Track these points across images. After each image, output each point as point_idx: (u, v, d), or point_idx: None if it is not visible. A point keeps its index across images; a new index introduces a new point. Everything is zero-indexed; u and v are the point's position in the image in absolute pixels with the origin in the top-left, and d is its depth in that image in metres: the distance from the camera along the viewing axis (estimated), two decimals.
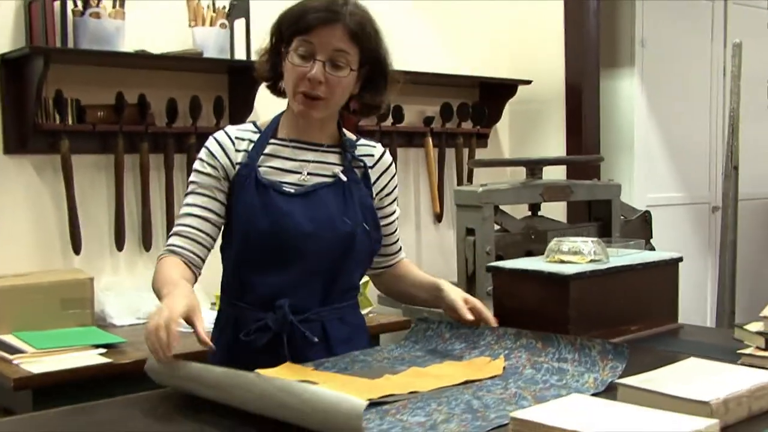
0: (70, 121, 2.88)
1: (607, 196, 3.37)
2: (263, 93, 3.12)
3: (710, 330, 2.83)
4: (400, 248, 1.96)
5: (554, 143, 4.13)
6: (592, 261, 1.77)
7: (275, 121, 1.78)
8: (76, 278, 2.73)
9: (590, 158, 3.80)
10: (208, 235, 1.72)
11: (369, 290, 3.10)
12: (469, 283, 3.01)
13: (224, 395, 1.31)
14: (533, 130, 4.24)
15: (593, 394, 1.33)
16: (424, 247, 4.01)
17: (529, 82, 4.03)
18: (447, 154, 3.98)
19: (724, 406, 1.19)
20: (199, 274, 1.73)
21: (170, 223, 3.09)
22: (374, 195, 1.82)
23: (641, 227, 3.51)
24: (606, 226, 3.38)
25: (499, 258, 3.01)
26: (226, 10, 3.12)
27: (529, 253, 2.97)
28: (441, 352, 1.67)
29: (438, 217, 4.01)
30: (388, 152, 1.88)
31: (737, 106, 3.38)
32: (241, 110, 3.21)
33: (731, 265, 3.33)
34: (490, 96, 4.09)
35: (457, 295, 1.79)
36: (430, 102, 3.96)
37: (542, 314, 1.73)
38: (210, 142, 1.76)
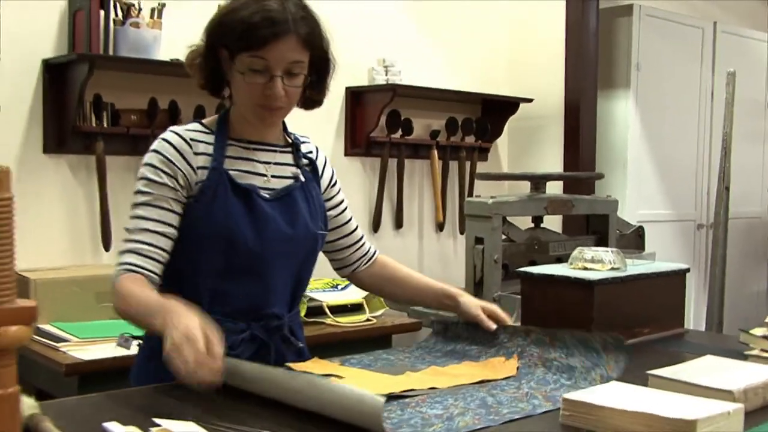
0: (105, 124, 3.04)
1: (605, 211, 3.57)
2: None
3: (712, 335, 3.04)
4: (364, 238, 1.93)
5: (551, 159, 4.34)
6: (612, 269, 1.96)
7: (224, 121, 1.68)
8: (110, 273, 2.87)
9: (591, 175, 4.01)
10: (164, 251, 1.58)
11: None
12: (476, 288, 3.19)
13: (255, 387, 1.37)
14: (532, 145, 4.45)
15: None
16: (425, 255, 4.20)
17: (530, 100, 4.24)
18: (450, 167, 4.18)
19: (744, 395, 1.38)
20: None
21: None
22: (323, 190, 1.81)
23: (635, 241, 3.72)
24: (603, 239, 3.58)
25: (505, 267, 3.21)
26: None
27: (533, 263, 3.16)
28: (459, 352, 1.75)
29: (440, 226, 4.20)
30: None
31: (730, 130, 3.61)
32: None
33: (720, 279, 3.55)
34: (492, 112, 4.29)
35: (476, 307, 1.82)
36: (437, 116, 4.16)
37: (567, 316, 1.91)
38: (163, 146, 1.61)
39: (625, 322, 1.97)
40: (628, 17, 4.44)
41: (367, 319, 3.11)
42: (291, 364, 1.57)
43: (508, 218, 3.28)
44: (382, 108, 3.76)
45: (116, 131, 3.06)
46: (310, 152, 1.81)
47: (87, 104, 2.98)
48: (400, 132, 3.94)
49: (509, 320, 1.81)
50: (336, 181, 1.87)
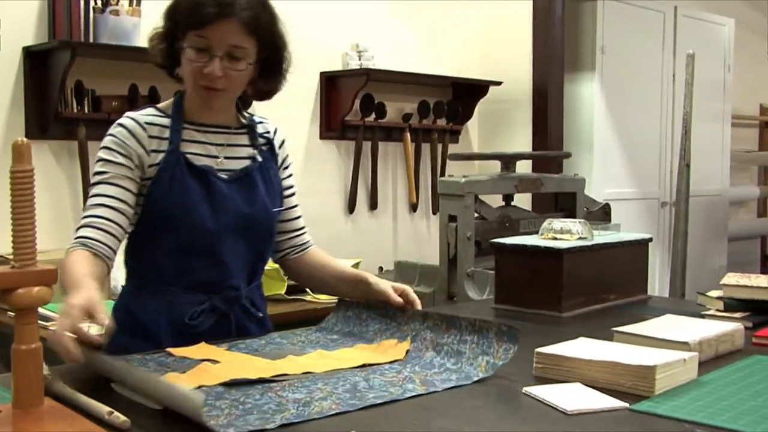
0: (86, 110, 3.11)
1: (572, 189, 3.71)
2: None
3: (674, 300, 3.19)
4: (305, 228, 1.97)
5: (520, 140, 4.47)
6: (579, 239, 2.08)
7: (179, 105, 1.75)
8: None
9: (559, 154, 4.15)
10: (120, 225, 1.64)
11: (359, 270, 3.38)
12: (450, 264, 3.31)
13: (115, 378, 1.35)
14: (501, 127, 4.58)
15: (482, 379, 1.40)
16: (400, 235, 4.31)
17: (499, 83, 4.36)
18: (422, 149, 4.29)
19: (699, 345, 1.51)
20: (112, 266, 1.66)
21: None
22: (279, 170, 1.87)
23: (601, 218, 3.86)
24: (570, 216, 3.71)
25: (477, 243, 3.33)
26: None
27: None
28: (356, 334, 1.72)
29: (414, 207, 4.32)
30: None
31: (690, 109, 3.76)
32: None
33: (683, 252, 3.71)
34: (463, 95, 4.41)
35: (386, 285, 1.80)
36: (409, 100, 4.26)
37: (538, 283, 2.04)
38: (117, 130, 1.70)
39: (592, 288, 2.10)
40: (593, 2, 4.57)
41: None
42: (171, 349, 1.56)
43: (480, 197, 3.40)
44: (356, 92, 3.86)
45: (97, 117, 3.13)
46: (267, 132, 1.85)
47: (68, 90, 3.05)
48: (373, 115, 4.04)
49: (418, 303, 1.77)
50: (289, 165, 1.91)
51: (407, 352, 1.57)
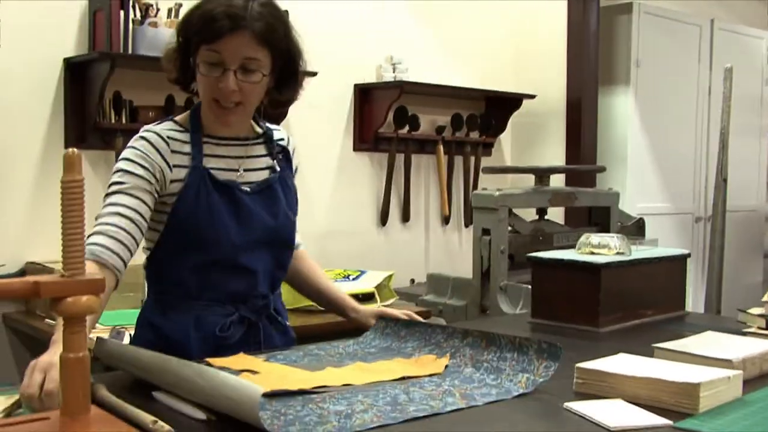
0: (124, 121, 3.14)
1: (606, 203, 3.68)
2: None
3: (712, 316, 3.15)
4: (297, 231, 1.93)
5: (552, 154, 4.46)
6: (617, 254, 2.07)
7: (196, 118, 1.73)
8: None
9: (594, 168, 4.13)
10: (133, 237, 1.60)
11: (392, 283, 3.39)
12: (483, 278, 3.30)
13: (153, 377, 1.35)
14: (534, 140, 4.56)
15: (521, 394, 1.39)
16: (431, 247, 4.31)
17: (533, 96, 4.35)
18: (455, 161, 4.29)
19: (743, 363, 1.49)
20: (121, 277, 1.61)
21: None
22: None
23: (635, 232, 3.83)
24: (604, 231, 3.69)
25: (510, 257, 3.32)
26: None
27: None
28: (394, 349, 1.72)
29: (446, 220, 4.31)
30: None
31: (728, 123, 3.72)
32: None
33: (719, 267, 3.67)
34: (496, 108, 4.40)
35: (372, 314, 1.89)
36: (442, 112, 4.27)
37: (575, 298, 2.03)
38: (139, 143, 1.68)
39: (629, 303, 2.08)
40: (628, 15, 4.55)
41: (379, 308, 3.20)
42: (210, 359, 1.54)
43: (513, 210, 3.40)
44: (390, 104, 3.87)
45: (135, 127, 3.09)
46: (282, 139, 1.85)
47: (107, 101, 3.09)
48: (407, 128, 4.05)
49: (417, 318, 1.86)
50: (296, 170, 1.90)
51: (446, 367, 1.57)
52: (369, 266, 3.63)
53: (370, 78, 3.96)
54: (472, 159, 4.34)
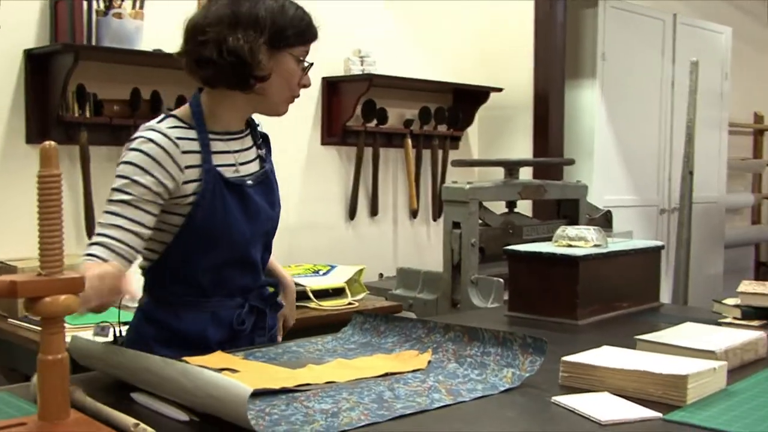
0: (88, 114, 3.07)
1: (575, 196, 3.70)
2: None
3: (685, 307, 3.18)
4: None
5: (520, 147, 4.46)
6: (594, 246, 2.07)
7: (199, 113, 1.71)
8: None
9: (563, 160, 4.14)
10: (134, 249, 1.59)
11: (363, 277, 3.36)
12: (454, 272, 3.29)
13: (133, 377, 1.32)
14: (501, 133, 4.56)
15: (508, 389, 1.38)
16: (400, 241, 4.29)
17: (500, 90, 4.35)
18: (423, 155, 4.27)
19: (725, 354, 1.49)
20: None
21: None
22: None
23: (603, 225, 3.85)
24: (573, 223, 3.71)
25: (481, 250, 3.31)
26: None
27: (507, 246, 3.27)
28: (374, 345, 1.70)
29: (414, 213, 4.30)
30: None
31: (693, 117, 3.75)
32: None
33: (686, 259, 3.70)
34: (464, 101, 4.39)
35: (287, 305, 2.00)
36: (410, 106, 4.25)
37: (553, 291, 2.02)
38: (149, 147, 1.62)
39: (606, 296, 2.08)
40: (594, 9, 4.56)
41: (349, 303, 3.19)
42: (188, 358, 1.49)
43: (483, 203, 3.39)
44: (358, 97, 3.83)
45: (99, 121, 3.09)
46: (259, 126, 1.88)
47: (70, 94, 3.01)
48: (375, 121, 4.02)
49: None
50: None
51: (429, 362, 1.55)
52: (337, 261, 3.61)
53: (337, 71, 3.92)
54: (440, 152, 4.33)
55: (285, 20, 1.69)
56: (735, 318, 1.93)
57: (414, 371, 1.49)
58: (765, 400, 1.33)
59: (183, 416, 1.20)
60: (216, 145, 1.71)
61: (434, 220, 4.37)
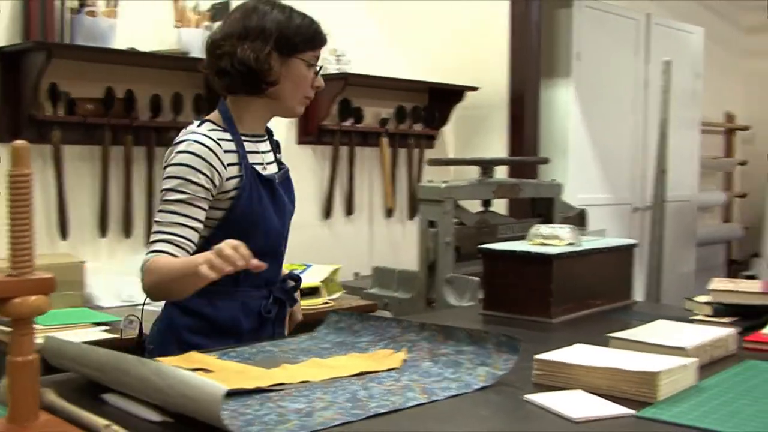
0: (61, 113, 3.04)
1: (549, 195, 3.72)
2: None
3: (657, 305, 3.21)
4: None
5: (495, 146, 4.48)
6: (568, 244, 2.08)
7: (229, 117, 1.86)
8: (69, 261, 2.90)
9: (537, 159, 4.16)
10: (193, 243, 1.77)
11: (338, 276, 3.36)
12: (429, 270, 3.30)
13: (107, 378, 1.31)
14: (477, 132, 4.58)
15: (482, 388, 1.39)
16: (376, 240, 4.29)
17: (475, 89, 4.36)
18: (399, 154, 4.28)
19: (696, 351, 1.51)
20: None
21: (151, 212, 3.28)
22: None
23: (578, 223, 3.87)
24: (547, 222, 3.73)
25: (456, 249, 3.32)
26: (210, 12, 3.33)
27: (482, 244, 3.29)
28: (348, 344, 1.70)
29: (390, 212, 4.30)
30: None
31: (667, 116, 3.78)
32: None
33: (658, 257, 3.73)
34: (439, 100, 4.40)
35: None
36: (386, 105, 4.25)
37: (527, 289, 2.03)
38: (198, 148, 1.77)
39: (580, 294, 2.10)
40: (569, 9, 4.59)
41: (325, 302, 3.19)
42: (161, 358, 1.50)
43: (458, 202, 3.40)
44: (334, 97, 3.83)
45: (72, 120, 3.07)
46: (272, 133, 2.03)
47: (42, 93, 2.99)
48: (350, 120, 4.02)
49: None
50: None
51: (404, 361, 1.55)
52: (313, 260, 3.60)
53: None
54: (416, 151, 4.33)
55: (292, 29, 1.84)
56: (706, 315, 1.95)
57: (388, 370, 1.49)
58: (734, 396, 1.35)
59: (156, 416, 1.20)
60: (247, 146, 1.87)
61: (410, 219, 4.38)
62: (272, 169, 1.93)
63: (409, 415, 1.25)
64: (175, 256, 1.72)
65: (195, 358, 1.58)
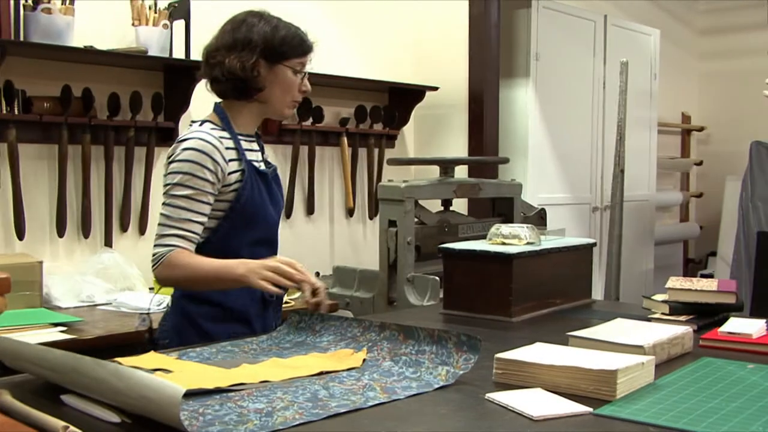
0: (16, 112, 2.99)
1: (510, 194, 3.74)
2: (199, 91, 3.36)
3: (616, 303, 3.25)
4: None
5: (455, 146, 4.50)
6: (528, 243, 2.10)
7: (227, 119, 2.05)
8: (26, 261, 2.85)
9: (497, 159, 4.19)
10: (200, 236, 1.95)
11: None
12: (390, 270, 3.30)
13: (64, 379, 1.30)
14: (437, 132, 4.60)
15: (442, 387, 1.40)
16: (336, 240, 4.29)
17: (435, 89, 4.38)
18: (359, 153, 4.28)
19: (653, 349, 1.53)
20: None
21: (109, 212, 3.24)
22: None
23: (538, 223, 3.91)
24: (508, 221, 3.75)
25: (417, 248, 3.33)
26: (168, 11, 3.29)
27: (443, 244, 3.30)
28: (309, 344, 1.71)
29: (350, 212, 4.30)
30: None
31: (624, 116, 3.83)
32: (176, 106, 3.39)
33: (617, 256, 3.78)
34: (399, 100, 4.41)
35: None
36: (346, 104, 4.25)
37: (488, 289, 2.05)
38: (202, 145, 1.95)
39: (540, 293, 2.12)
40: (527, 9, 4.63)
41: (286, 302, 3.17)
42: (120, 359, 1.50)
43: (419, 201, 3.41)
44: None
45: (28, 119, 3.01)
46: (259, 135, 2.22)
47: None
48: (311, 120, 4.01)
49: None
50: None
51: (364, 360, 1.56)
52: None
53: None
54: (376, 151, 4.33)
55: (276, 39, 2.01)
56: (663, 313, 1.98)
57: (349, 370, 1.50)
58: (690, 393, 1.37)
59: (114, 418, 1.19)
60: (243, 144, 2.04)
61: (370, 218, 4.38)
62: (263, 166, 2.10)
63: (370, 415, 1.25)
64: (186, 250, 1.90)
65: (154, 358, 1.58)
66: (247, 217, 2.00)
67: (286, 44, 2.02)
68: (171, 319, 2.08)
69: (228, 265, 1.87)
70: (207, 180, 1.93)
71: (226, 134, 2.01)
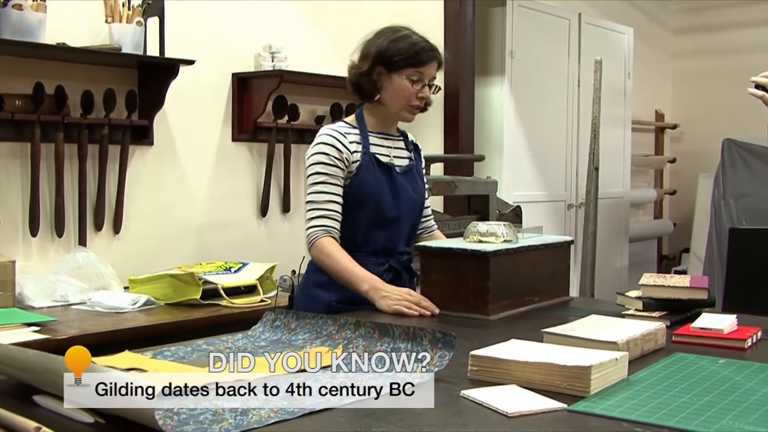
0: None
1: (485, 192, 3.77)
2: (172, 89, 3.34)
3: (593, 300, 3.27)
4: (431, 216, 2.60)
5: (431, 144, 4.50)
6: (505, 241, 2.11)
7: (362, 119, 2.39)
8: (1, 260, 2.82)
9: (474, 157, 4.21)
10: (341, 214, 2.27)
11: (275, 274, 3.34)
12: None
13: (37, 379, 1.30)
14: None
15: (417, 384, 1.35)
16: None
17: None
18: None
19: (627, 345, 1.55)
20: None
21: (83, 211, 3.21)
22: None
23: (513, 220, 3.93)
24: (483, 219, 3.78)
25: None
26: (142, 8, 3.27)
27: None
28: (284, 342, 1.70)
29: None
30: None
31: (598, 114, 3.86)
32: (151, 104, 3.37)
33: (592, 253, 3.81)
34: None
35: None
36: (322, 102, 4.23)
37: (465, 287, 2.05)
38: (331, 140, 2.30)
39: (517, 290, 2.13)
40: (502, 8, 4.65)
41: (261, 300, 3.16)
42: (94, 359, 1.37)
43: None
44: (269, 94, 3.80)
45: (0, 117, 2.98)
46: (413, 140, 2.53)
47: None
48: (286, 117, 4.00)
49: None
50: (424, 164, 2.58)
51: (338, 358, 1.55)
52: (250, 258, 3.57)
53: (248, 67, 3.88)
54: None
55: (392, 50, 2.29)
56: (637, 310, 2.00)
57: (324, 368, 1.50)
58: (663, 389, 1.38)
59: (87, 418, 1.18)
60: (374, 140, 2.36)
61: None
62: (401, 162, 2.39)
63: (345, 412, 1.25)
64: (334, 228, 2.24)
65: (129, 357, 1.57)
66: (358, 199, 2.28)
67: (401, 55, 2.27)
68: (301, 281, 2.46)
69: (357, 276, 2.17)
70: (337, 166, 2.26)
71: (354, 131, 2.34)
